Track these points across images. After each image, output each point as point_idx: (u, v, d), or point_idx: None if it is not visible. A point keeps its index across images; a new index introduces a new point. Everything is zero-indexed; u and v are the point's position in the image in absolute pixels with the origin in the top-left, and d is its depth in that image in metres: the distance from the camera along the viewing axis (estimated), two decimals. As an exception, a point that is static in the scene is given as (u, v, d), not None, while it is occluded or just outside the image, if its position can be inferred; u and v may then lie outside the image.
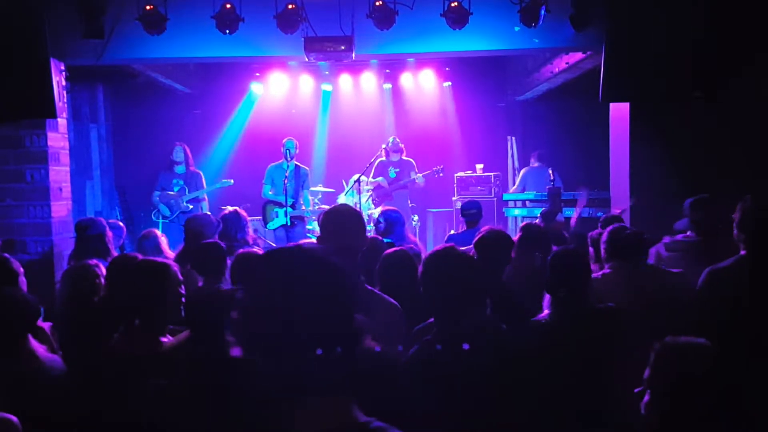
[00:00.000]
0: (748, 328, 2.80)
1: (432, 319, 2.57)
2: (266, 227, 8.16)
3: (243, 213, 5.39)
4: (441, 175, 8.63)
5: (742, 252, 3.00)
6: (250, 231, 5.43)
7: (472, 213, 5.87)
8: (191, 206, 8.04)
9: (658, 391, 1.62)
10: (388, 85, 10.06)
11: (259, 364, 1.25)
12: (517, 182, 8.69)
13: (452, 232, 8.26)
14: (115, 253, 4.64)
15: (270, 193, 8.09)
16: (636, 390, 1.75)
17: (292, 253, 1.29)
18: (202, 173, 8.18)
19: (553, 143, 8.70)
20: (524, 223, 4.35)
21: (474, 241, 3.78)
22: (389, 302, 2.57)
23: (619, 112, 6.06)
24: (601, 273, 3.69)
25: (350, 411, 1.25)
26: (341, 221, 2.64)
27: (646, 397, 1.67)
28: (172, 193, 7.95)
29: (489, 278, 2.99)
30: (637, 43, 5.46)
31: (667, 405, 1.60)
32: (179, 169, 8.06)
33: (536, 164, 8.37)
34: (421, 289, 2.41)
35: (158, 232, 5.06)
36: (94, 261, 3.68)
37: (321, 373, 1.22)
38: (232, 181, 8.43)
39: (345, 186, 8.73)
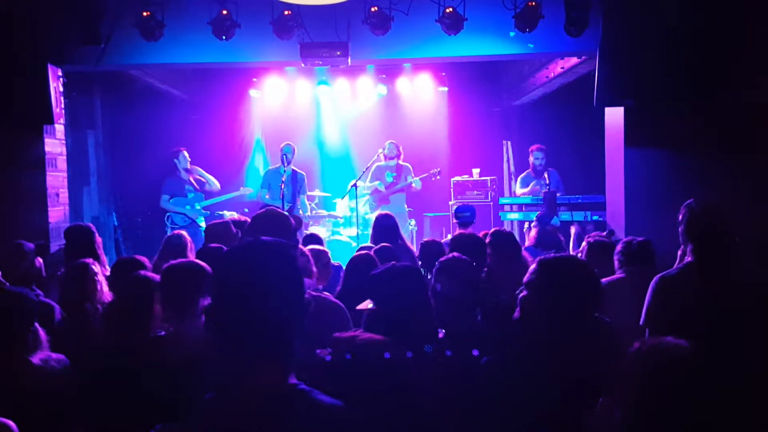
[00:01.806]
0: (695, 336, 2.77)
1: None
2: (263, 232, 8.16)
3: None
4: (438, 177, 8.65)
5: (689, 259, 2.94)
6: None
7: (465, 216, 5.92)
8: (207, 212, 8.05)
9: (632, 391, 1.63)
10: (384, 90, 10.09)
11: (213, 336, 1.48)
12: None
13: (449, 236, 8.29)
14: (104, 258, 4.64)
15: (266, 197, 8.11)
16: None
17: (253, 242, 1.54)
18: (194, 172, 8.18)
19: (548, 148, 8.71)
20: (493, 229, 4.38)
21: (450, 245, 3.83)
22: (335, 303, 2.60)
23: (614, 116, 6.09)
24: (615, 277, 3.69)
25: (283, 374, 1.47)
26: (267, 224, 2.66)
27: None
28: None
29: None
30: (632, 48, 5.50)
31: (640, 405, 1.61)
32: (183, 174, 8.05)
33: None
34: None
35: (186, 235, 5.01)
36: (90, 260, 3.69)
37: (264, 341, 1.44)
38: (252, 190, 8.38)
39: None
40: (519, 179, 8.25)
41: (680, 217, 2.98)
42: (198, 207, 7.95)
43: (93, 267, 3.60)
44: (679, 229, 2.99)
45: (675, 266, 3.01)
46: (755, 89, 5.46)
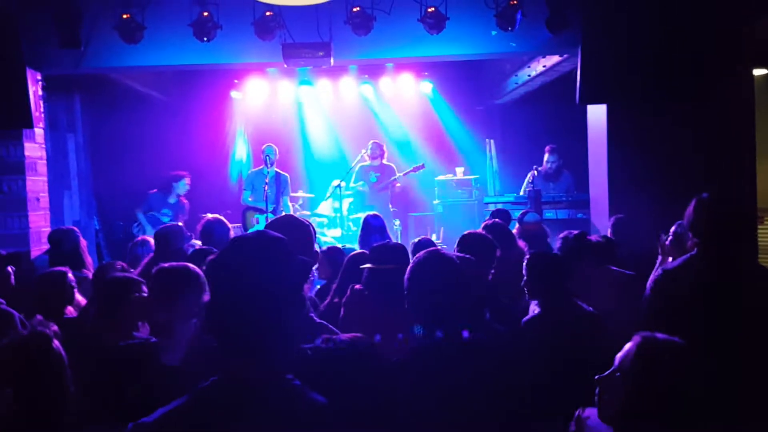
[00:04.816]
0: (698, 328, 2.79)
1: None
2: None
3: (224, 220, 5.34)
4: (422, 170, 8.59)
5: (692, 252, 2.93)
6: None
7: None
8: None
9: (629, 377, 1.66)
10: (367, 90, 10.07)
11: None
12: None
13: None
14: (89, 261, 4.59)
15: (250, 199, 8.06)
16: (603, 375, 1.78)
17: (246, 238, 1.61)
18: (188, 204, 8.17)
19: (531, 146, 8.75)
20: (485, 222, 4.36)
21: (457, 242, 3.80)
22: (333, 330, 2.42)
23: (597, 114, 6.12)
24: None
25: (277, 368, 1.49)
26: (285, 234, 2.46)
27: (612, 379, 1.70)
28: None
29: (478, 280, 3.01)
30: (613, 46, 5.53)
31: (634, 392, 1.64)
32: (172, 198, 8.04)
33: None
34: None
35: (152, 240, 4.98)
36: (66, 268, 3.65)
37: (259, 335, 1.48)
38: None
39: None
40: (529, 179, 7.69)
41: (689, 210, 2.93)
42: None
43: (68, 276, 3.56)
44: (686, 221, 2.95)
45: (678, 259, 2.99)
46: (729, 89, 5.55)
